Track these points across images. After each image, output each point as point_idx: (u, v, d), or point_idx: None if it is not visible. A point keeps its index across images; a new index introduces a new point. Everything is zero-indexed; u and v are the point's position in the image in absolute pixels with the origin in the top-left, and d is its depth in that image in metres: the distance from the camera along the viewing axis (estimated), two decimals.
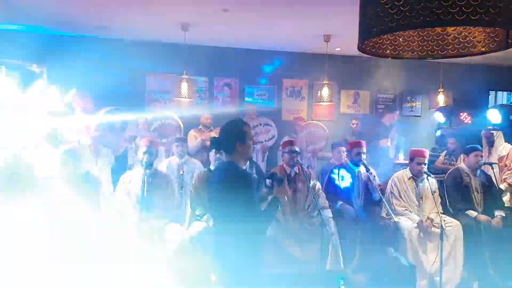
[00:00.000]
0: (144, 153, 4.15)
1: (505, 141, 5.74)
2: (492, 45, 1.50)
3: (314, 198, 4.16)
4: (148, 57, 6.42)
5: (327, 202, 4.45)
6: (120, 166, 5.21)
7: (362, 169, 4.60)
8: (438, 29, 1.57)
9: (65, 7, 4.84)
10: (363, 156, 4.58)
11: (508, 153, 5.64)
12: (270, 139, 5.90)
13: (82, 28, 5.80)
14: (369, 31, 1.35)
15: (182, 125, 5.41)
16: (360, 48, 1.51)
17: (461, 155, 5.35)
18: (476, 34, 1.54)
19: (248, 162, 4.99)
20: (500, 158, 5.63)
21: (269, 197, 2.71)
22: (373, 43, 1.58)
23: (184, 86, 5.53)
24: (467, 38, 1.55)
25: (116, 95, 5.70)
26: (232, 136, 2.48)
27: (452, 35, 1.57)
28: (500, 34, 1.48)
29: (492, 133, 5.69)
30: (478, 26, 1.33)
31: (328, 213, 4.29)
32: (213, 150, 4.35)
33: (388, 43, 1.61)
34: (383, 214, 4.44)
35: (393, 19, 1.26)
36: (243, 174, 2.45)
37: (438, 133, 7.15)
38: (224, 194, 2.40)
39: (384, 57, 1.65)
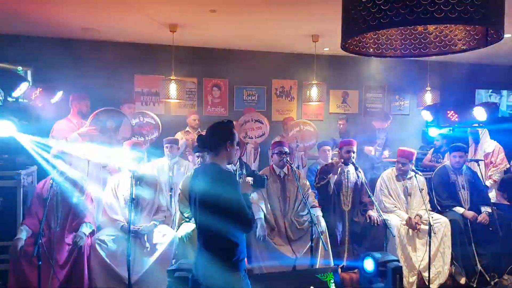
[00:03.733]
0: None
1: (491, 139, 5.84)
2: (472, 43, 1.53)
3: (303, 197, 4.18)
4: (136, 58, 6.40)
5: (316, 201, 4.48)
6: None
7: (351, 168, 4.64)
8: (420, 28, 1.60)
9: (51, 9, 4.80)
10: (353, 155, 4.62)
11: (493, 150, 5.74)
12: (260, 136, 5.88)
13: (69, 30, 5.75)
14: (351, 30, 1.37)
15: (160, 124, 5.37)
16: (343, 47, 1.53)
17: (447, 153, 5.42)
18: (457, 33, 1.57)
19: (238, 163, 5.04)
20: (486, 155, 5.72)
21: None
22: (356, 42, 1.60)
23: (173, 88, 5.51)
24: (448, 37, 1.57)
25: (103, 97, 5.66)
26: (222, 136, 2.41)
27: (433, 34, 1.59)
28: (479, 32, 1.51)
29: (478, 130, 5.77)
30: (456, 24, 1.35)
31: (317, 211, 4.31)
32: (196, 153, 4.37)
33: (371, 42, 1.63)
34: (373, 212, 4.47)
35: (374, 18, 1.28)
36: (229, 175, 2.38)
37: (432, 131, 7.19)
38: (211, 196, 2.30)
39: (367, 55, 1.67)
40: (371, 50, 1.64)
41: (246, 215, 2.29)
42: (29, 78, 5.81)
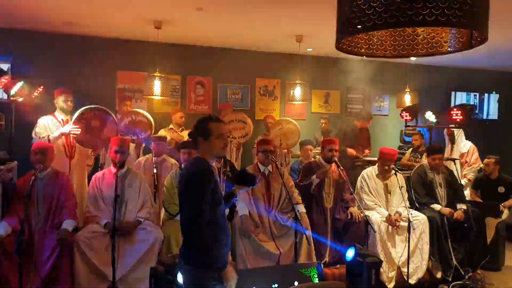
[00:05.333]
0: (116, 152, 4.09)
1: (466, 139, 6.07)
2: (457, 45, 1.62)
3: (288, 194, 4.26)
4: (119, 54, 6.35)
5: (300, 198, 4.55)
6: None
7: (333, 166, 4.74)
8: (409, 30, 1.68)
9: (32, 2, 4.73)
10: (335, 154, 4.71)
11: (469, 150, 5.98)
12: (243, 136, 5.94)
13: (49, 24, 5.65)
14: (346, 30, 1.44)
15: (153, 122, 5.37)
16: (337, 47, 1.60)
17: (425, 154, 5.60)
18: (443, 35, 1.66)
19: (222, 160, 5.08)
20: (462, 155, 5.95)
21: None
22: (349, 42, 1.68)
23: (157, 84, 5.50)
24: (435, 39, 1.67)
25: (85, 93, 5.60)
26: (198, 132, 2.45)
27: (421, 36, 1.68)
28: (464, 35, 1.60)
29: (453, 131, 5.99)
30: (445, 26, 1.44)
31: (301, 208, 4.39)
32: (183, 150, 4.38)
33: (363, 42, 1.71)
34: (354, 209, 4.59)
35: (370, 19, 1.35)
36: (194, 175, 2.35)
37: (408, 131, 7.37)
38: (180, 194, 2.39)
39: (360, 55, 1.75)
40: (363, 50, 1.72)
41: (194, 222, 2.25)
42: (8, 72, 5.69)
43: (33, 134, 4.58)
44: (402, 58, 6.60)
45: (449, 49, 1.64)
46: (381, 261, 4.08)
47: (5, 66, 5.66)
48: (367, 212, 4.41)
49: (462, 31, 1.61)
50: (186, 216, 2.33)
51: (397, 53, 1.73)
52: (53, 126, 4.66)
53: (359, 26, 1.35)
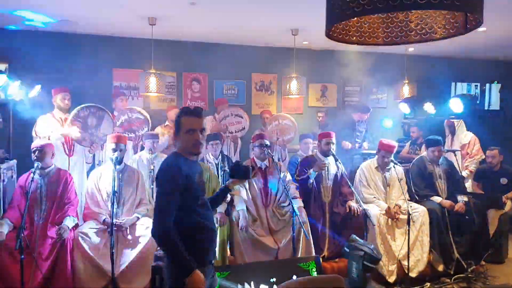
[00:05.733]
0: (113, 149, 4.11)
1: (467, 130, 6.00)
2: (452, 30, 1.57)
3: (285, 188, 4.22)
4: (115, 52, 6.30)
5: (297, 192, 4.52)
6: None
7: (331, 159, 4.70)
8: (401, 16, 1.63)
9: (27, 1, 4.68)
10: (333, 147, 4.67)
11: (470, 141, 5.91)
12: (240, 130, 5.90)
13: (45, 23, 5.61)
14: (335, 16, 1.39)
15: (149, 119, 5.35)
16: (327, 34, 1.55)
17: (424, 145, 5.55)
18: (437, 20, 1.61)
19: (220, 156, 5.04)
20: (462, 146, 5.89)
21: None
22: (339, 30, 1.63)
23: (153, 81, 5.46)
24: (429, 24, 1.61)
25: (81, 91, 5.58)
26: (174, 126, 2.37)
27: (414, 22, 1.63)
28: (459, 19, 1.55)
29: (454, 122, 5.93)
30: (438, 9, 1.39)
31: (299, 202, 4.35)
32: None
33: (354, 30, 1.66)
34: (353, 202, 4.55)
35: (359, 4, 1.30)
36: (162, 169, 2.27)
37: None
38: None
39: (351, 43, 1.70)
40: (354, 38, 1.67)
41: (156, 220, 2.17)
42: (6, 72, 5.67)
43: (33, 133, 4.70)
44: (399, 49, 6.60)
45: (443, 35, 1.59)
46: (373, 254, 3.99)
47: (2, 66, 5.65)
48: (365, 206, 4.37)
49: (456, 15, 1.56)
50: (154, 216, 2.21)
51: (390, 40, 1.67)
52: (52, 125, 4.71)
53: (348, 12, 1.30)
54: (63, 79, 5.57)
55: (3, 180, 4.12)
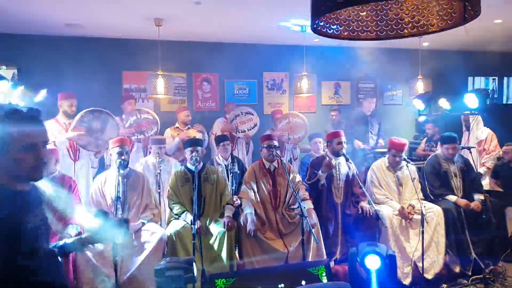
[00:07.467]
0: (119, 153, 4.06)
1: (484, 126, 5.77)
2: (450, 21, 1.45)
3: (294, 190, 4.11)
4: (123, 54, 6.31)
5: (307, 193, 4.41)
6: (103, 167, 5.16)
7: (342, 159, 4.57)
8: (392, 14, 1.51)
9: (33, 5, 4.71)
10: (344, 146, 4.55)
11: (487, 137, 5.68)
12: (252, 128, 5.82)
13: (52, 27, 5.64)
14: (319, 9, 1.29)
15: (158, 120, 5.32)
16: (313, 29, 1.46)
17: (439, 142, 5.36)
18: (433, 11, 1.49)
19: (229, 158, 4.97)
20: (479, 142, 5.66)
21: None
22: (329, 24, 1.52)
23: (160, 83, 5.43)
24: (425, 16, 1.50)
25: (91, 94, 5.60)
26: None
27: (410, 14, 1.51)
28: (457, 9, 1.43)
29: (469, 117, 5.72)
30: None
31: (308, 204, 4.24)
32: (189, 148, 4.27)
33: (345, 25, 1.55)
34: (365, 203, 4.41)
35: None
36: None
37: (421, 119, 7.14)
38: None
39: (341, 39, 1.59)
40: (346, 33, 1.56)
41: None
42: (15, 77, 5.74)
43: None
44: (413, 44, 6.39)
45: (441, 26, 1.47)
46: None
47: (11, 71, 5.70)
48: (377, 207, 4.22)
49: (453, 5, 1.44)
50: None
51: (384, 34, 1.56)
52: (56, 130, 4.70)
53: (331, 4, 1.20)
54: (73, 83, 5.60)
55: None
